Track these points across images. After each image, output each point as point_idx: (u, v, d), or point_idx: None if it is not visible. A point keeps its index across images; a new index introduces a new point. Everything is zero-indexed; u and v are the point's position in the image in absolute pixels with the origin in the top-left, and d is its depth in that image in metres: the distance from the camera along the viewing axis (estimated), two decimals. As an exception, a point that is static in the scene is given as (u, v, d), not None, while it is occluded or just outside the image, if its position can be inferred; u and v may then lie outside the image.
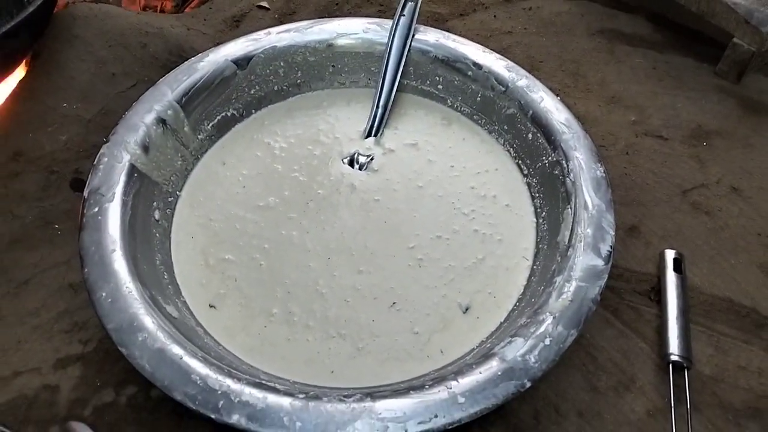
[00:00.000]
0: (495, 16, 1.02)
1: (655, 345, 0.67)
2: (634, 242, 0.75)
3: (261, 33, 0.78)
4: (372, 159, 0.74)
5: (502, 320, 0.60)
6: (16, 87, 0.78)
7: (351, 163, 0.73)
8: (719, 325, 0.69)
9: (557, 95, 0.74)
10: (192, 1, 1.12)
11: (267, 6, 1.02)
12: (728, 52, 0.90)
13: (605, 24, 1.01)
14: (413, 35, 0.78)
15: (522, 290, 0.62)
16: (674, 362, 0.63)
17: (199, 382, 0.49)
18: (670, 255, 0.71)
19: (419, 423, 0.47)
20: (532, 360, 0.51)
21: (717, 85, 0.92)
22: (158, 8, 1.18)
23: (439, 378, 0.51)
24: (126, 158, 0.63)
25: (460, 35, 0.84)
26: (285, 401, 0.48)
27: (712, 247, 0.75)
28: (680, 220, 0.77)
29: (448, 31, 0.91)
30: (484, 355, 0.52)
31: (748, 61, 0.89)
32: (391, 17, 0.80)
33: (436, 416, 0.47)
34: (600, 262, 0.57)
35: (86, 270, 0.56)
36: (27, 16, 0.70)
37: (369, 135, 0.76)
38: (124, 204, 0.61)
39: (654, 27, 1.00)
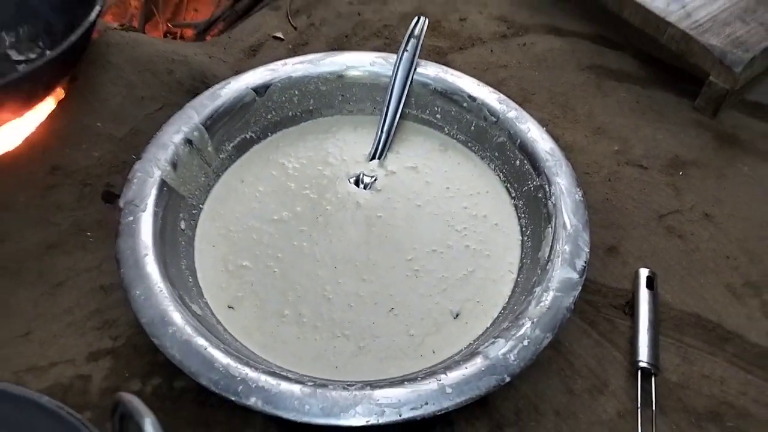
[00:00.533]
0: (492, 50, 1.10)
1: (627, 354, 0.74)
2: (613, 261, 0.83)
3: (278, 63, 0.87)
4: (376, 179, 0.82)
5: (488, 326, 0.67)
6: (55, 107, 0.86)
7: (357, 183, 0.81)
8: (687, 338, 0.76)
9: (547, 125, 0.82)
10: (212, 30, 1.21)
11: (282, 37, 1.11)
12: (705, 89, 0.99)
13: (594, 60, 1.09)
14: (415, 69, 0.86)
15: (507, 300, 0.70)
16: (643, 369, 0.70)
17: (221, 369, 0.56)
18: (643, 273, 0.78)
19: (412, 409, 0.54)
20: (512, 358, 0.58)
21: (695, 120, 1.00)
22: (179, 35, 1.27)
23: (430, 372, 0.58)
24: (157, 174, 0.71)
25: (458, 68, 0.92)
26: (296, 387, 0.55)
27: (684, 267, 0.83)
28: (655, 242, 0.85)
29: (448, 63, 1.00)
30: (470, 353, 0.60)
31: (723, 98, 0.97)
32: (396, 50, 0.88)
33: (426, 403, 0.55)
34: (575, 276, 0.65)
35: (122, 271, 0.63)
36: (68, 46, 0.78)
37: (373, 158, 0.84)
38: (155, 214, 0.68)
39: (639, 64, 1.08)
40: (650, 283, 0.78)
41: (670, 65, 1.04)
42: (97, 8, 0.81)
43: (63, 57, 0.78)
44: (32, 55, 0.93)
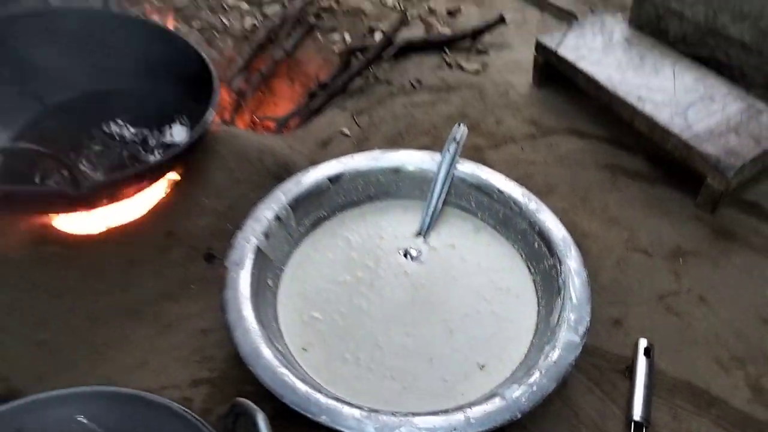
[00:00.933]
0: (522, 149, 1.31)
1: (624, 410, 0.89)
2: (617, 332, 0.99)
3: (347, 157, 1.09)
4: (420, 253, 1.01)
5: (507, 376, 0.84)
6: (172, 185, 1.10)
7: (405, 255, 1.01)
8: (678, 400, 0.91)
9: (566, 215, 1.00)
10: (290, 123, 1.46)
11: (348, 133, 1.34)
12: (704, 190, 1.16)
13: (610, 160, 1.28)
14: (455, 166, 1.07)
15: (523, 356, 0.87)
16: (636, 422, 0.85)
17: (300, 394, 0.75)
18: (642, 343, 0.94)
19: None
20: (523, 400, 0.75)
21: (696, 215, 1.17)
22: (260, 125, 1.52)
23: (458, 407, 0.75)
24: (254, 241, 0.93)
25: (493, 162, 1.13)
26: (355, 411, 0.73)
27: (678, 340, 0.98)
28: (655, 318, 1.01)
29: (484, 158, 1.21)
30: (490, 395, 0.76)
31: (719, 198, 1.14)
32: (441, 147, 1.09)
33: (455, 429, 0.71)
34: (577, 339, 0.82)
35: (227, 315, 0.84)
36: (190, 143, 1.02)
37: (419, 235, 1.04)
38: (251, 273, 0.89)
39: (649, 165, 1.27)
40: (648, 352, 0.93)
41: (675, 167, 1.22)
42: (212, 112, 1.06)
43: (185, 150, 1.02)
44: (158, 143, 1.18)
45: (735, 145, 1.14)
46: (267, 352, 0.79)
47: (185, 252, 1.05)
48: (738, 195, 1.19)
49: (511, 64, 1.56)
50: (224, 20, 1.63)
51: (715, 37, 1.36)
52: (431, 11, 1.74)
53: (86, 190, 0.89)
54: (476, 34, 1.62)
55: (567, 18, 1.77)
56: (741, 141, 1.15)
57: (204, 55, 1.13)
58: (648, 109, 1.22)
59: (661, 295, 1.04)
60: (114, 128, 1.18)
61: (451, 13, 1.74)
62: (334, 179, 1.05)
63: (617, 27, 1.45)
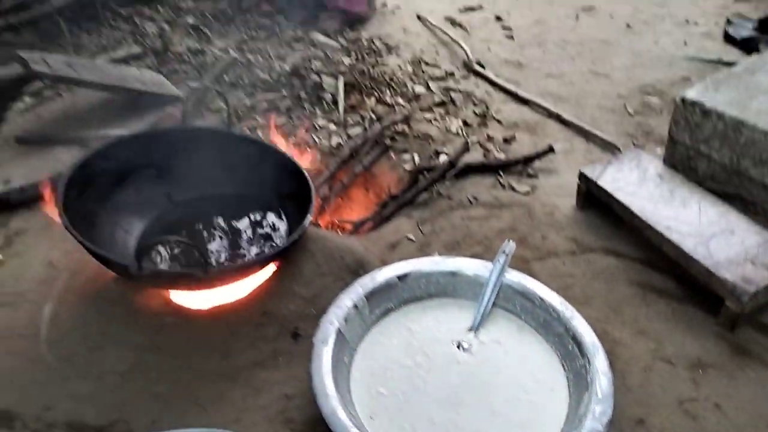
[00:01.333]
0: (564, 263, 1.51)
1: (643, 497, 1.02)
2: (639, 430, 1.13)
3: (413, 260, 1.32)
4: (471, 346, 1.20)
5: (540, 455, 1.00)
6: (271, 274, 1.35)
7: (458, 347, 1.20)
8: (692, 494, 1.04)
9: (600, 324, 1.18)
10: (363, 227, 1.71)
11: (413, 238, 1.58)
12: (723, 310, 1.32)
13: (641, 278, 1.46)
14: (504, 274, 1.28)
15: (554, 440, 1.03)
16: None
17: (370, 449, 0.93)
18: (662, 440, 1.08)
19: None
20: (551, 472, 0.91)
21: (716, 332, 1.32)
22: (339, 227, 1.78)
23: (497, 474, 0.92)
24: (336, 324, 1.15)
25: (537, 273, 1.33)
26: (413, 467, 0.91)
27: (695, 442, 1.11)
28: (674, 420, 1.15)
29: (530, 269, 1.41)
30: (524, 466, 0.93)
31: (737, 318, 1.30)
32: (493, 256, 1.31)
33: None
34: (600, 428, 0.98)
35: (312, 382, 1.05)
36: (290, 242, 1.28)
37: (471, 330, 1.23)
38: (333, 350, 1.11)
39: (676, 284, 1.44)
40: (666, 448, 1.07)
41: (699, 288, 1.39)
42: (309, 219, 1.32)
43: (286, 247, 1.28)
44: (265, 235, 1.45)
45: (750, 273, 1.31)
46: (343, 415, 0.99)
47: (276, 329, 1.28)
48: (756, 317, 1.34)
49: (557, 188, 1.79)
50: (315, 138, 1.96)
51: (740, 178, 1.56)
52: (489, 138, 2.02)
53: (212, 273, 1.14)
54: (528, 160, 1.87)
55: (610, 148, 2.01)
56: (756, 270, 1.32)
57: (305, 171, 1.41)
58: (675, 237, 1.42)
59: (681, 400, 1.18)
60: (226, 223, 1.46)
61: (507, 141, 2.01)
62: (402, 277, 1.27)
63: (652, 163, 1.68)
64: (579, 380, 1.10)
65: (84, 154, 1.37)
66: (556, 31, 2.84)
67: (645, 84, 2.41)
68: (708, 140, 1.60)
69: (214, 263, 1.35)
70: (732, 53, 2.66)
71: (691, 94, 1.64)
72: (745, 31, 2.81)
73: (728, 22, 2.93)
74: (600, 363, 1.09)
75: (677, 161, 1.69)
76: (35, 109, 2.09)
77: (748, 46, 2.70)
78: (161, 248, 1.37)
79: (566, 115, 2.15)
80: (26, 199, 1.68)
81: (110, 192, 1.41)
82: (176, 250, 1.37)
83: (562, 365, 1.16)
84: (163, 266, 1.32)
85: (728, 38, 2.81)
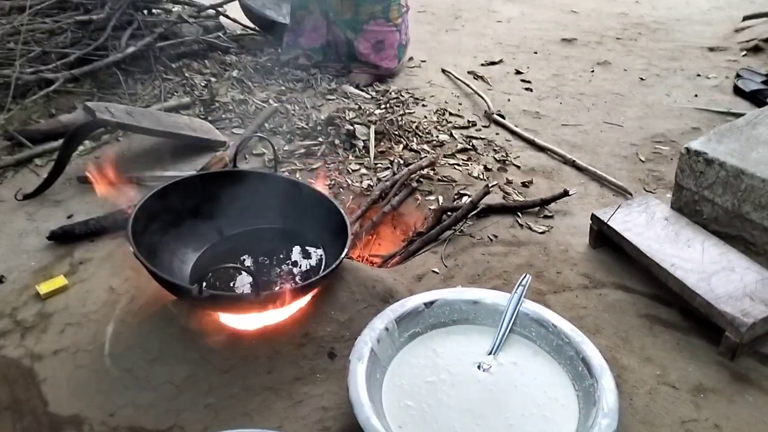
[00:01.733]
0: (577, 296, 1.64)
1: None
2: (645, 446, 1.24)
3: (438, 290, 1.47)
4: (490, 367, 1.33)
5: (551, 462, 1.12)
6: (311, 299, 1.50)
7: (478, 367, 1.33)
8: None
9: (610, 351, 1.31)
10: (392, 260, 1.87)
11: (437, 271, 1.73)
12: (723, 340, 1.43)
13: (649, 311, 1.59)
14: (521, 304, 1.41)
15: (565, 450, 1.15)
16: None
17: (400, 449, 1.06)
18: (664, 455, 1.19)
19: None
20: (560, 474, 1.03)
21: (717, 360, 1.43)
22: (369, 260, 1.94)
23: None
24: (369, 344, 1.29)
25: (552, 305, 1.46)
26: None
27: (696, 458, 1.22)
28: (677, 439, 1.26)
29: (545, 301, 1.54)
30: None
31: (736, 348, 1.41)
32: (512, 288, 1.45)
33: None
34: (606, 438, 1.10)
35: (350, 393, 1.19)
36: (329, 271, 1.44)
37: (490, 353, 1.37)
38: (367, 367, 1.25)
39: (681, 316, 1.56)
40: (668, 462, 1.18)
41: (702, 320, 1.51)
42: (346, 251, 1.48)
43: (326, 275, 1.43)
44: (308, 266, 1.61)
45: (749, 307, 1.43)
46: (376, 422, 1.13)
47: (315, 349, 1.42)
48: (755, 347, 1.45)
49: (572, 228, 1.93)
50: (348, 180, 2.14)
51: (741, 221, 1.69)
52: (509, 182, 2.18)
53: (263, 297, 1.30)
54: (544, 202, 2.02)
55: (622, 193, 2.15)
56: (754, 305, 1.44)
57: (342, 209, 1.58)
58: (679, 274, 1.54)
59: (683, 420, 1.29)
60: (271, 254, 1.63)
61: (525, 185, 2.17)
62: (428, 304, 1.42)
63: (659, 207, 1.82)
64: (587, 397, 1.22)
65: (148, 193, 1.56)
66: (573, 84, 3.03)
67: (656, 134, 2.56)
68: (711, 186, 1.74)
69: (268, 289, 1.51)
70: (741, 105, 2.81)
71: (696, 144, 1.79)
72: (753, 84, 2.97)
73: (737, 75, 3.09)
74: (607, 382, 1.21)
75: (683, 205, 1.82)
76: (95, 151, 2.33)
77: (756, 98, 2.86)
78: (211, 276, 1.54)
79: (581, 162, 2.30)
80: (89, 232, 1.87)
81: (169, 226, 1.60)
82: (222, 278, 1.54)
83: (573, 384, 1.28)
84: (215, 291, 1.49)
85: (737, 91, 2.97)
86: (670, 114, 2.74)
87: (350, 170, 2.20)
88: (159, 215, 1.56)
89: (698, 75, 3.16)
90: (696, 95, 2.92)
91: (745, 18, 3.88)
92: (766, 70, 3.12)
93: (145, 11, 3.12)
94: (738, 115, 2.42)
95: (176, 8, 3.23)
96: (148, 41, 2.83)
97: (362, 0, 2.79)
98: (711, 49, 3.50)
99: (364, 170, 2.20)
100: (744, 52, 3.43)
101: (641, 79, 3.10)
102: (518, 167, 2.29)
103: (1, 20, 2.69)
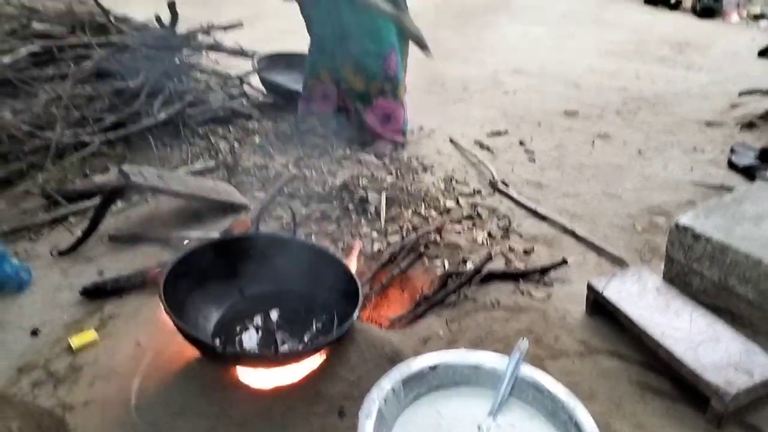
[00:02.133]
0: (573, 362, 1.74)
1: None
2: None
3: (443, 353, 1.58)
4: (490, 428, 1.43)
5: None
6: (323, 360, 1.62)
7: (479, 428, 1.43)
8: None
9: (603, 417, 1.40)
10: (399, 323, 1.98)
11: (442, 335, 1.84)
12: (710, 409, 1.52)
13: (641, 378, 1.68)
14: (519, 368, 1.52)
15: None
16: None
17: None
18: None
19: None
20: None
21: (705, 428, 1.52)
22: (377, 321, 2.05)
23: None
24: (377, 404, 1.40)
25: (549, 369, 1.56)
26: None
27: None
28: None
29: (543, 366, 1.65)
30: None
31: (721, 417, 1.50)
32: (509, 352, 1.55)
33: None
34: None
35: (358, 448, 1.29)
36: (340, 333, 1.56)
37: (490, 415, 1.46)
38: (374, 424, 1.35)
39: (671, 384, 1.65)
40: None
41: (689, 388, 1.60)
42: (356, 315, 1.60)
43: (337, 337, 1.56)
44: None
45: (733, 377, 1.53)
46: (383, 474, 1.22)
47: (325, 407, 1.53)
48: (741, 417, 1.54)
49: (570, 296, 2.04)
50: (360, 243, 2.28)
51: (728, 293, 1.81)
52: (511, 249, 2.31)
53: (280, 355, 1.42)
54: (544, 270, 2.15)
55: (619, 263, 2.28)
56: (738, 375, 1.54)
57: (354, 274, 1.72)
58: (668, 343, 1.65)
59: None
60: (287, 314, 1.75)
61: (527, 252, 2.30)
62: (433, 367, 1.53)
63: (651, 278, 1.94)
64: (579, 459, 1.31)
65: (177, 256, 1.70)
66: (574, 156, 3.20)
67: (653, 205, 2.70)
68: (699, 260, 1.86)
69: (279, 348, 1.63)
70: (734, 179, 2.96)
71: (684, 219, 1.93)
72: (746, 159, 3.12)
73: (732, 150, 3.25)
74: (597, 445, 1.31)
75: (674, 276, 1.94)
76: (125, 211, 2.49)
77: (748, 173, 3.01)
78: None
79: (580, 231, 2.44)
80: (118, 288, 2.01)
81: (195, 285, 1.73)
82: (235, 335, 1.67)
83: (566, 446, 1.38)
84: (237, 348, 1.61)
85: (732, 165, 3.12)
86: (667, 186, 2.88)
87: (362, 234, 2.34)
88: (186, 275, 1.70)
89: (695, 149, 3.32)
90: (692, 169, 3.07)
91: (741, 94, 4.08)
92: (759, 146, 3.28)
93: (176, 80, 3.36)
94: (730, 190, 2.56)
95: (204, 77, 3.48)
96: (178, 108, 3.05)
97: (374, 76, 2.98)
98: (708, 124, 3.68)
99: (374, 234, 2.35)
100: (740, 127, 3.60)
101: (639, 152, 3.27)
102: (520, 235, 2.43)
103: (45, 86, 2.92)
